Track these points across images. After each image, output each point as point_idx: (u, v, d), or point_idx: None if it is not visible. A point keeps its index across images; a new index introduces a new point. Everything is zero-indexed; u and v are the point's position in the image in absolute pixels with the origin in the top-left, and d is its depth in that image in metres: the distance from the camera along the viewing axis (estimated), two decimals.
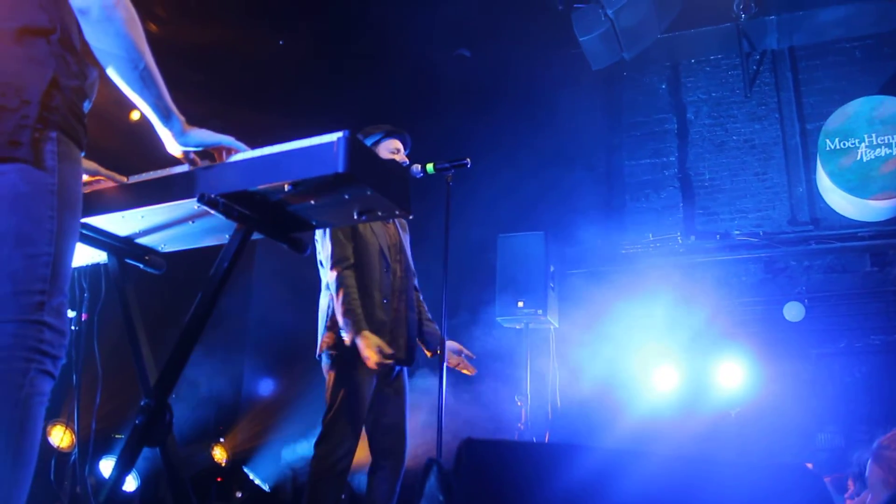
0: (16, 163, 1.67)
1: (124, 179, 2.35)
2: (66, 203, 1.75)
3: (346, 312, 3.72)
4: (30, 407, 1.64)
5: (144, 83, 1.93)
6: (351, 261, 3.84)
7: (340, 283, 3.77)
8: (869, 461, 3.15)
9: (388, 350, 3.70)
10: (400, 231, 4.16)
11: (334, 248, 3.83)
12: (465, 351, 4.07)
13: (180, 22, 6.77)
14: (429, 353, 4.11)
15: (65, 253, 1.75)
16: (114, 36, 1.84)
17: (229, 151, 2.16)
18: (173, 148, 2.11)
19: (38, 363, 1.66)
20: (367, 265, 3.88)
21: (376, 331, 3.77)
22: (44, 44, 1.75)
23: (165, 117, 2.03)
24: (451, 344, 4.04)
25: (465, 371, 4.09)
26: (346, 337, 3.69)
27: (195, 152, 2.15)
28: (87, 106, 1.90)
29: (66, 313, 1.75)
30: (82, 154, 1.86)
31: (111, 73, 1.91)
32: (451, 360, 4.02)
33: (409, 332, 3.98)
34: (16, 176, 1.67)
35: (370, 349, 3.62)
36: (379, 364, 3.62)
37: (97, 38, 1.84)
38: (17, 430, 1.62)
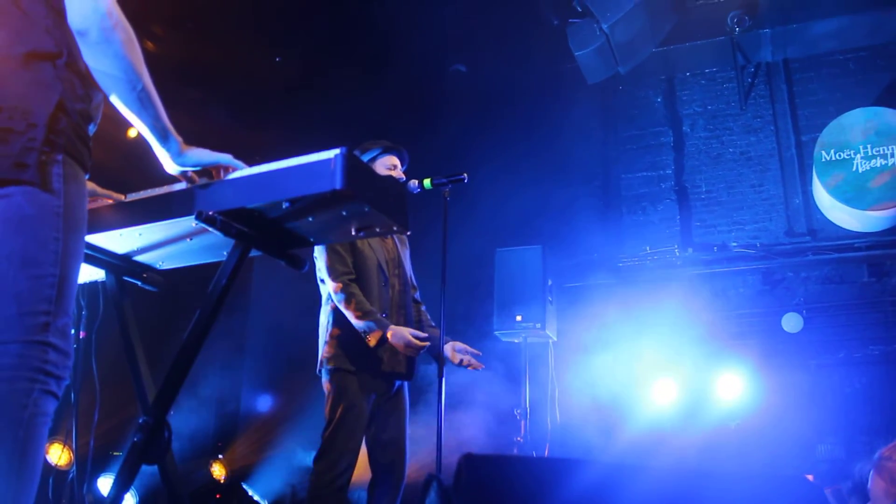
0: (22, 185, 1.69)
1: (122, 198, 2.35)
2: (72, 225, 1.77)
3: (364, 315, 3.74)
4: (33, 427, 1.65)
5: (142, 104, 1.94)
6: (353, 274, 3.86)
7: (348, 293, 3.79)
8: (871, 472, 3.14)
9: (423, 333, 3.80)
10: (398, 245, 4.17)
11: (335, 261, 3.84)
12: (470, 349, 4.05)
13: (177, 40, 6.79)
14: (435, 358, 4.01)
15: (70, 274, 1.77)
16: (112, 57, 1.85)
17: (227, 170, 2.17)
18: (171, 168, 2.12)
19: (42, 383, 1.67)
20: (366, 280, 3.89)
21: (375, 345, 3.78)
22: (50, 68, 1.77)
23: (163, 138, 2.04)
24: (454, 344, 4.03)
25: (471, 367, 4.06)
26: (372, 339, 3.71)
27: (193, 171, 2.16)
28: (91, 129, 1.92)
29: (70, 334, 1.77)
30: (87, 176, 1.88)
31: (109, 93, 1.92)
32: (454, 358, 3.99)
33: None
34: (22, 198, 1.69)
35: (407, 337, 3.72)
36: (420, 349, 3.75)
37: (95, 60, 1.86)
38: (20, 450, 1.63)
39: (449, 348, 3.98)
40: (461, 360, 4.01)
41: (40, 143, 1.71)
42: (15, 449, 1.62)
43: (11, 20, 1.76)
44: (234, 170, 2.16)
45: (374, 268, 3.93)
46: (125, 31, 1.87)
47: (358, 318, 3.74)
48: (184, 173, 2.15)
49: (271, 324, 8.13)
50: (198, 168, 2.14)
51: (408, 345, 3.72)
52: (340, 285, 3.80)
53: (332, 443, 3.68)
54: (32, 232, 1.70)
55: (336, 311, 3.86)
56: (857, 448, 6.80)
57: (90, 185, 2.34)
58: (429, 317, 4.27)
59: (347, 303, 3.77)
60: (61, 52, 1.79)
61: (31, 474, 1.64)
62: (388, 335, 3.72)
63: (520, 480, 1.46)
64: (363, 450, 3.86)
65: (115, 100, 1.93)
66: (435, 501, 1.42)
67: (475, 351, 4.06)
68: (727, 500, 1.68)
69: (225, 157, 2.16)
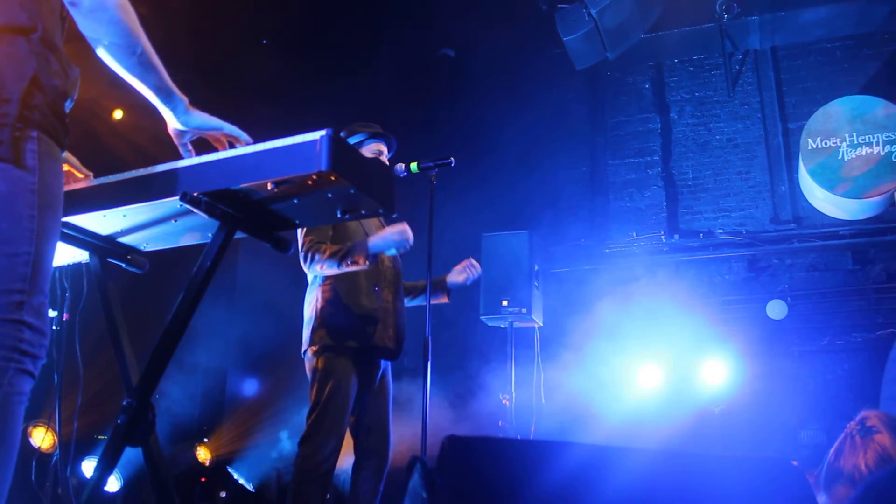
0: (1, 164, 1.66)
1: (90, 175, 2.34)
2: (47, 202, 1.74)
3: (337, 251, 3.69)
4: (8, 406, 1.63)
5: (144, 68, 1.93)
6: (328, 243, 3.82)
7: (318, 250, 3.73)
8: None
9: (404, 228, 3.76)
10: (384, 224, 4.15)
11: (311, 232, 3.80)
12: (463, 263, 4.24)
13: (164, 20, 6.73)
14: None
15: (45, 252, 1.74)
16: (107, 23, 1.82)
17: (232, 140, 2.15)
18: (175, 126, 2.10)
19: (17, 362, 1.65)
20: None
21: (364, 318, 3.77)
22: (24, 42, 1.74)
23: (167, 98, 2.02)
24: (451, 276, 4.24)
25: (472, 271, 4.24)
26: (360, 259, 3.67)
27: (192, 140, 2.13)
28: (68, 105, 1.88)
29: (46, 313, 1.74)
30: (63, 153, 1.85)
31: (108, 60, 1.89)
32: (458, 276, 4.22)
33: (398, 322, 3.97)
34: None
35: (392, 235, 3.72)
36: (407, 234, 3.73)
37: (90, 28, 1.83)
38: None
39: (450, 276, 4.21)
40: (462, 272, 4.21)
41: (13, 118, 1.68)
42: None
43: None
44: (239, 140, 2.15)
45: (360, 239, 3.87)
46: None
47: (334, 256, 3.69)
48: (183, 143, 2.13)
49: (257, 306, 8.11)
50: (201, 131, 2.12)
51: (399, 241, 3.73)
52: (311, 243, 3.76)
53: (317, 426, 3.66)
54: (5, 209, 1.67)
55: (324, 291, 3.83)
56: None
57: (68, 157, 2.32)
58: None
59: (322, 257, 3.71)
60: (35, 26, 1.76)
61: (7, 454, 1.62)
62: (370, 246, 3.69)
63: (504, 462, 1.46)
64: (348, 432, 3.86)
65: (115, 66, 1.91)
66: (418, 483, 1.42)
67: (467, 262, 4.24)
68: (711, 482, 1.69)
69: (229, 126, 2.14)
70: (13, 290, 1.66)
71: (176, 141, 2.16)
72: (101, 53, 1.87)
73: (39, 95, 1.74)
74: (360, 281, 3.82)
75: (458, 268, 4.25)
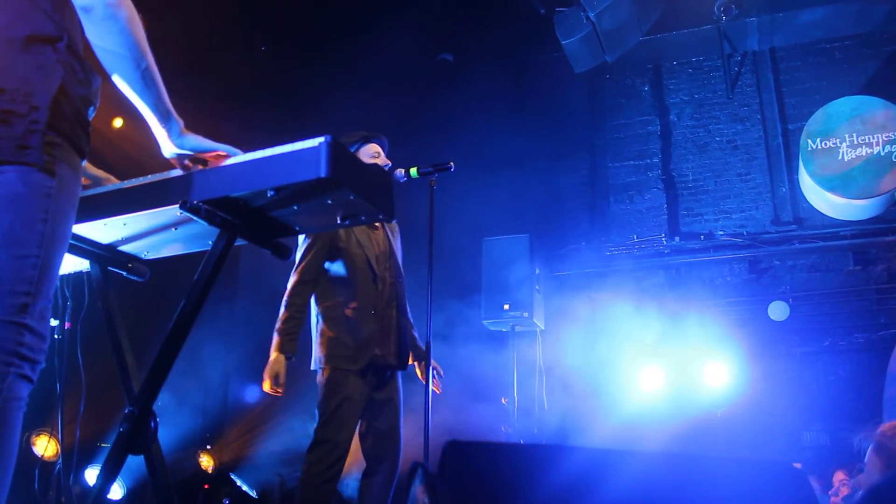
0: (21, 165, 1.69)
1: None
2: (61, 209, 1.76)
3: (279, 330, 3.82)
4: (7, 412, 1.63)
5: (146, 83, 1.93)
6: (316, 278, 3.89)
7: (292, 298, 3.87)
8: (869, 448, 3.16)
9: (283, 382, 3.77)
10: (389, 237, 4.15)
11: (308, 256, 3.89)
12: (437, 367, 4.13)
13: (161, 28, 6.73)
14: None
15: (53, 257, 1.75)
16: (117, 34, 1.84)
17: (225, 158, 2.15)
18: (169, 149, 2.10)
19: (16, 367, 1.65)
20: (354, 279, 3.89)
21: (364, 342, 3.81)
22: (51, 51, 1.77)
23: (164, 119, 2.02)
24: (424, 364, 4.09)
25: (434, 388, 4.05)
26: (272, 349, 3.79)
27: (189, 158, 2.14)
28: (91, 113, 1.91)
29: (48, 318, 1.75)
30: (83, 161, 1.87)
31: (112, 70, 1.90)
32: (420, 375, 4.11)
33: (401, 337, 3.99)
34: (15, 176, 1.69)
35: (269, 373, 3.75)
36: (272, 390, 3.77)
37: (99, 37, 1.84)
38: None
39: (419, 366, 4.12)
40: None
41: (43, 125, 1.71)
42: None
43: (10, 3, 1.76)
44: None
45: (363, 266, 3.92)
46: (129, 8, 1.86)
47: (277, 327, 3.83)
48: (179, 159, 2.13)
49: (259, 313, 8.11)
50: (196, 152, 2.12)
51: (272, 381, 3.75)
52: (294, 282, 3.88)
53: (324, 435, 3.71)
54: (20, 211, 1.69)
55: (323, 310, 3.91)
56: (842, 435, 6.85)
57: (95, 171, 2.34)
58: (416, 335, 4.25)
59: (286, 307, 3.86)
60: (61, 35, 1.79)
61: (5, 460, 1.62)
62: (271, 357, 3.77)
63: (505, 467, 1.47)
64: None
65: (117, 79, 1.92)
66: (420, 488, 1.42)
67: (440, 371, 4.16)
68: (713, 485, 1.69)
69: (224, 146, 2.14)
70: (18, 291, 1.67)
71: (173, 162, 2.16)
72: (106, 62, 1.88)
73: (66, 104, 1.77)
74: (359, 305, 3.88)
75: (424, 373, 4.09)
